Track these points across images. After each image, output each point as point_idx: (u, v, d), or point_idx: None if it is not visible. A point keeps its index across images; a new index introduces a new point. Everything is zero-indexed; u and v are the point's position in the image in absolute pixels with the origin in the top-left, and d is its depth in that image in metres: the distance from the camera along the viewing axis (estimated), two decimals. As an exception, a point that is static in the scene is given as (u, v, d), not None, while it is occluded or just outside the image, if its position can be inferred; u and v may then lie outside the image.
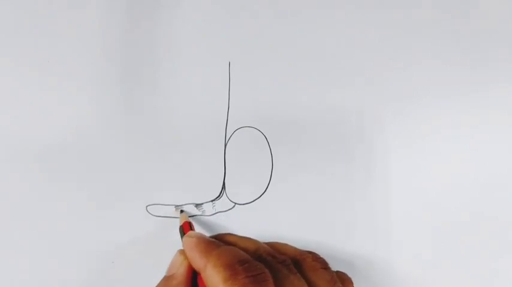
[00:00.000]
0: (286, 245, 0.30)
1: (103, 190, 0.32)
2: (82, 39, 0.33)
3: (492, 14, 0.34)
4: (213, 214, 0.33)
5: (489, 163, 0.34)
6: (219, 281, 0.24)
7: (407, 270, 0.33)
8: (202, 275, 0.26)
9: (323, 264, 0.28)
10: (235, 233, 0.30)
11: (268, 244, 0.29)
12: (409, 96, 0.34)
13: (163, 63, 0.33)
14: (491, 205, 0.34)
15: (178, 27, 0.33)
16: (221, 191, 0.33)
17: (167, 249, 0.29)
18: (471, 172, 0.34)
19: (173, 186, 0.33)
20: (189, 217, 0.33)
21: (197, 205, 0.33)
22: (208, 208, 0.33)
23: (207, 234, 0.32)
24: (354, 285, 0.30)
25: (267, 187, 0.33)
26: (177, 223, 0.32)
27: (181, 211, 0.33)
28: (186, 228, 0.30)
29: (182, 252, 0.28)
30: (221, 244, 0.27)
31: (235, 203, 0.33)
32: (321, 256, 0.29)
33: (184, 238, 0.29)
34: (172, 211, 0.33)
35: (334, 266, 0.29)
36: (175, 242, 0.30)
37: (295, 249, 0.30)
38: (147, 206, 0.33)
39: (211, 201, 0.33)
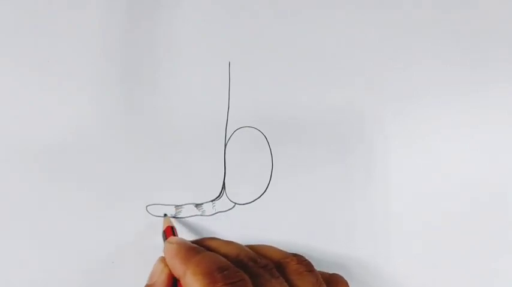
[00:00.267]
0: (270, 247, 0.29)
1: (103, 190, 0.32)
2: (82, 39, 0.33)
3: (492, 14, 0.34)
4: (213, 214, 0.33)
5: (489, 163, 0.34)
6: None
7: (407, 270, 0.33)
8: (182, 282, 0.26)
9: (307, 267, 0.28)
10: (235, 233, 0.30)
11: (252, 247, 0.29)
12: (409, 96, 0.34)
13: (163, 63, 0.33)
14: (491, 205, 0.34)
15: (178, 27, 0.33)
16: (221, 191, 0.33)
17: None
18: (471, 172, 0.34)
19: (173, 186, 0.33)
20: (189, 217, 0.33)
21: (197, 205, 0.33)
22: (208, 208, 0.33)
23: (207, 235, 0.32)
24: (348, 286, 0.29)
25: (267, 187, 0.33)
26: (177, 223, 0.32)
27: (165, 215, 0.32)
28: (168, 233, 0.30)
29: (163, 259, 0.28)
30: (202, 249, 0.27)
31: (235, 203, 0.33)
32: (306, 259, 0.28)
33: (165, 244, 0.28)
34: (172, 211, 0.33)
35: (334, 267, 0.29)
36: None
37: (280, 252, 0.29)
38: (147, 206, 0.33)
39: (211, 201, 0.33)
